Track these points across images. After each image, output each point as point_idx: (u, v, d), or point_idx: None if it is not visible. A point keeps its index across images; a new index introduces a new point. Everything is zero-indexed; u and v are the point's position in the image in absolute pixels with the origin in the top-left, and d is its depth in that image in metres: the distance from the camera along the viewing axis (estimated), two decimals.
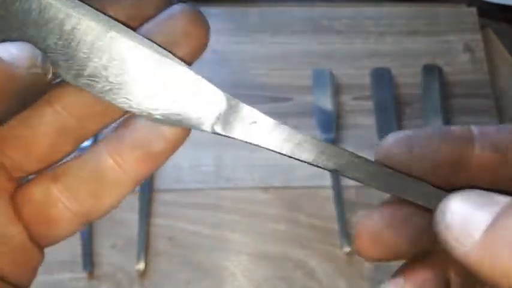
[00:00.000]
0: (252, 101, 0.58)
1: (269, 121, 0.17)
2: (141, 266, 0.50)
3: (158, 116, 0.17)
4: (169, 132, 0.17)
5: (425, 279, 0.18)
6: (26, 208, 0.18)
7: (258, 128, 0.17)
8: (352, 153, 0.18)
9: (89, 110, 0.17)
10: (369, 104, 0.59)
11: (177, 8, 0.17)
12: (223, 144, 0.54)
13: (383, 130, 0.57)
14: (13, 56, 0.15)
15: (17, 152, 0.17)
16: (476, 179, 0.18)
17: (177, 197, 0.52)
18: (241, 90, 0.59)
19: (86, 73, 0.16)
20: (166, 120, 0.17)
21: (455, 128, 0.18)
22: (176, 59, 0.17)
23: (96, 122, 0.18)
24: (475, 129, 0.18)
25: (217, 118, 0.17)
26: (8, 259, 0.17)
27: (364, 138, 0.57)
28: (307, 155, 0.17)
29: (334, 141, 0.56)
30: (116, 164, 0.18)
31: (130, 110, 0.17)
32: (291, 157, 0.17)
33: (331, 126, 0.57)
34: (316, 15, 0.64)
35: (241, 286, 0.51)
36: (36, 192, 0.18)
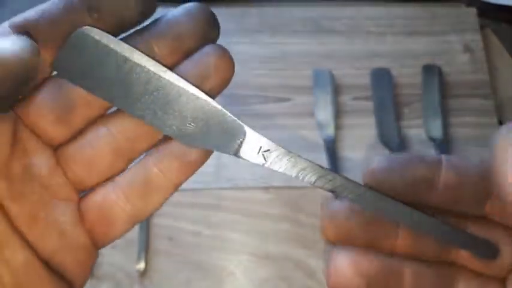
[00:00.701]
0: (252, 101, 0.58)
1: (281, 150, 0.22)
2: (141, 266, 0.50)
3: (192, 142, 0.21)
4: None
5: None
6: (89, 212, 0.21)
7: (272, 154, 0.22)
8: (346, 177, 0.22)
9: (138, 133, 0.21)
10: (369, 104, 0.59)
11: (210, 47, 0.21)
12: None
13: (383, 130, 0.57)
14: (5, 46, 0.18)
15: (82, 169, 0.21)
16: (443, 196, 0.22)
17: (177, 196, 0.52)
18: (241, 90, 0.59)
19: (139, 106, 0.21)
20: (199, 145, 0.21)
21: (428, 156, 0.22)
22: (206, 96, 0.21)
23: (143, 143, 0.22)
24: (443, 157, 0.22)
25: (239, 145, 0.21)
26: (73, 257, 0.21)
27: (364, 138, 0.57)
28: (309, 178, 0.22)
29: (334, 141, 0.56)
30: (160, 171, 0.21)
31: (171, 135, 0.21)
32: (297, 178, 0.22)
33: (331, 126, 0.57)
34: (316, 15, 0.64)
35: (241, 286, 0.51)
36: (98, 196, 0.21)
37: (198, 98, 0.21)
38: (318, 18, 0.64)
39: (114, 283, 0.50)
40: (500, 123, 0.59)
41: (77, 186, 0.22)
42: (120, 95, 0.20)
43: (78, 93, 0.20)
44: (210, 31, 0.22)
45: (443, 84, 0.60)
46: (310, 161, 0.22)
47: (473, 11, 0.64)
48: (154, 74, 0.20)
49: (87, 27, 0.19)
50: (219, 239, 0.52)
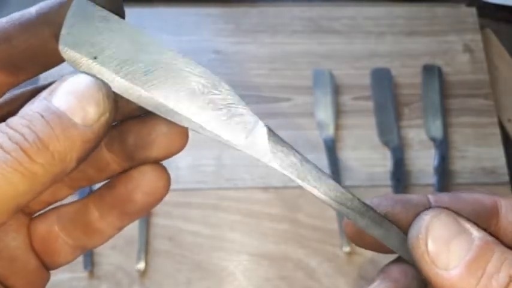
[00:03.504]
0: (253, 101, 0.58)
1: (295, 154, 0.20)
2: (141, 266, 0.50)
3: (208, 128, 0.19)
4: (147, 189, 0.21)
5: (399, 278, 0.21)
6: (35, 240, 0.22)
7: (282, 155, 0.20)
8: (362, 201, 0.21)
9: (81, 167, 0.20)
10: (369, 104, 0.59)
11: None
12: (223, 144, 0.54)
13: (383, 130, 0.57)
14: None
15: None
16: None
17: (177, 196, 0.52)
18: (241, 90, 0.59)
19: (148, 77, 0.19)
20: (210, 134, 0.20)
21: (414, 196, 0.21)
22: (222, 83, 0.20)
23: (84, 179, 0.22)
24: (431, 197, 0.21)
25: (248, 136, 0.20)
26: (24, 281, 0.21)
27: (364, 138, 0.57)
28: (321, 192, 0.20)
29: (334, 141, 0.56)
30: (100, 216, 0.21)
31: (184, 124, 0.19)
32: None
33: (331, 126, 0.57)
34: (316, 15, 0.64)
35: (241, 286, 0.51)
36: (42, 229, 0.21)
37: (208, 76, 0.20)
38: (318, 18, 0.64)
39: (114, 283, 0.50)
40: (501, 123, 0.59)
41: (25, 210, 0.22)
42: (128, 64, 0.19)
43: None
44: None
45: (443, 84, 0.60)
46: (314, 166, 0.20)
47: (473, 11, 0.64)
48: (163, 48, 0.19)
49: None
50: (219, 239, 0.52)
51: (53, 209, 0.22)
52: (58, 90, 0.17)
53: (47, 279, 0.22)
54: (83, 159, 0.17)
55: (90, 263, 0.49)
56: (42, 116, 0.16)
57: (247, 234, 0.52)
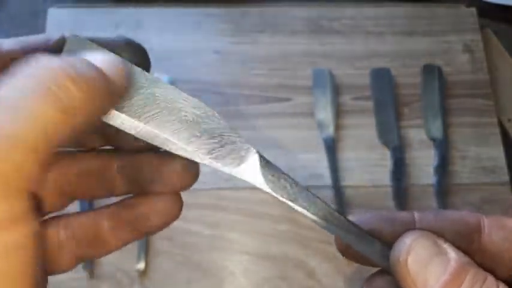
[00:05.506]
0: (252, 101, 0.58)
1: (288, 180, 0.22)
2: (141, 266, 0.50)
3: (202, 157, 0.21)
4: (164, 212, 0.22)
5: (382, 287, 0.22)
6: None
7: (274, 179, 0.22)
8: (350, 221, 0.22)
9: (81, 180, 0.22)
10: (369, 104, 0.59)
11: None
12: None
13: (383, 130, 0.57)
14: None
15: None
16: None
17: None
18: (241, 90, 0.59)
19: (144, 110, 0.20)
20: (206, 162, 0.21)
21: (400, 214, 0.23)
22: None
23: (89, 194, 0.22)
24: (416, 214, 0.22)
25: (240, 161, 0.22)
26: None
27: (364, 138, 0.57)
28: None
29: (334, 141, 0.56)
30: (111, 229, 0.22)
31: (179, 152, 0.20)
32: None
33: (331, 126, 0.57)
34: (316, 15, 0.64)
35: (241, 286, 0.51)
36: (49, 234, 0.22)
37: (199, 106, 0.21)
38: (318, 18, 0.64)
39: (114, 283, 0.50)
40: (501, 123, 0.59)
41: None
42: (122, 99, 0.20)
43: None
44: None
45: (443, 84, 0.60)
46: (305, 190, 0.22)
47: (473, 11, 0.64)
48: (159, 81, 0.20)
49: (73, 35, 0.20)
50: (219, 239, 0.52)
51: (60, 216, 0.22)
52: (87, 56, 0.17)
53: (45, 286, 0.23)
54: (102, 113, 0.18)
55: (90, 263, 0.49)
56: (82, 62, 0.17)
57: (247, 234, 0.52)
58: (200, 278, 0.51)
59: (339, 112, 0.58)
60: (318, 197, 0.22)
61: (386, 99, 0.59)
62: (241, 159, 0.21)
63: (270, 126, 0.57)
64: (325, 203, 0.22)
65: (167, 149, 0.20)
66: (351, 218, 0.22)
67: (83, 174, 0.22)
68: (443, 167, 0.55)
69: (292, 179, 0.22)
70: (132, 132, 0.20)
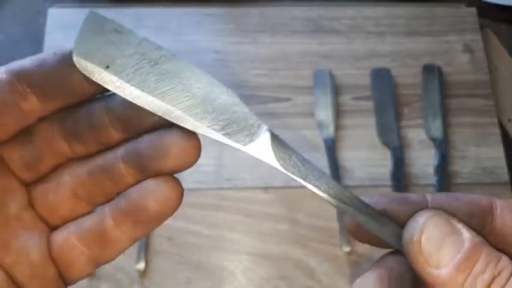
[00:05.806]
0: (253, 101, 0.58)
1: (297, 156, 0.21)
2: (141, 265, 0.50)
3: (214, 132, 0.21)
4: (160, 198, 0.21)
5: (394, 266, 0.22)
6: (54, 249, 0.22)
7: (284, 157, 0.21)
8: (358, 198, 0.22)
9: (99, 180, 0.22)
10: (369, 104, 0.59)
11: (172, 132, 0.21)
12: (223, 144, 0.54)
13: (383, 130, 0.57)
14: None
15: (46, 212, 0.23)
16: None
17: None
18: (241, 90, 0.59)
19: (155, 84, 0.21)
20: (217, 137, 0.21)
21: (412, 195, 0.23)
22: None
23: (101, 193, 0.22)
24: (428, 196, 0.22)
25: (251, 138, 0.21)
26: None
27: (364, 138, 0.57)
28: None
29: (334, 141, 0.56)
30: (115, 224, 0.22)
31: (192, 128, 0.21)
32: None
33: (331, 126, 0.57)
34: (316, 15, 0.64)
35: (241, 286, 0.51)
36: (60, 238, 0.22)
37: (211, 82, 0.21)
38: (318, 18, 0.64)
39: (114, 283, 0.50)
40: (501, 123, 0.59)
41: (46, 222, 0.23)
42: (139, 73, 0.21)
43: (46, 143, 0.22)
44: None
45: (443, 84, 0.60)
46: (316, 168, 0.21)
47: (473, 11, 0.64)
48: (173, 57, 0.21)
49: (94, 11, 0.20)
50: (219, 239, 0.52)
51: (71, 221, 0.23)
52: None
53: None
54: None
55: None
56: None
57: (247, 234, 0.52)
58: (200, 278, 0.51)
59: (339, 112, 0.58)
60: (329, 176, 0.22)
61: (387, 99, 0.59)
62: (252, 136, 0.21)
63: (270, 126, 0.57)
64: (337, 182, 0.22)
65: (181, 124, 0.21)
66: (363, 198, 0.22)
67: (93, 172, 0.22)
68: (443, 167, 0.55)
69: (304, 158, 0.21)
70: (146, 107, 0.20)
